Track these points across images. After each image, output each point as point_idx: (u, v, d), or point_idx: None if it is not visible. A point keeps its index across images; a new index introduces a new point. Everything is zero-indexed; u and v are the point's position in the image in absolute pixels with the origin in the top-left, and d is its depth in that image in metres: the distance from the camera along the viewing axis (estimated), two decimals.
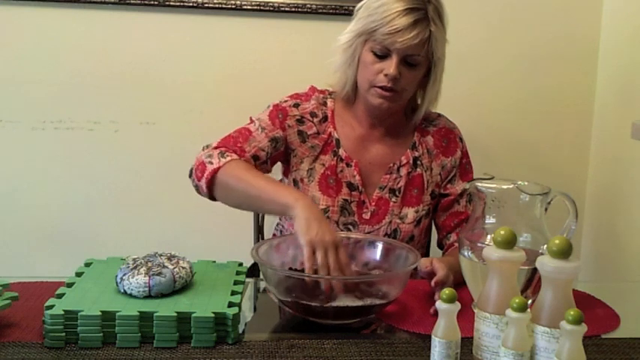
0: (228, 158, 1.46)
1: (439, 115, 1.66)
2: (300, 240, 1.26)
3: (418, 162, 1.59)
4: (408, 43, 1.44)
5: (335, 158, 1.57)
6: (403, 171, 1.58)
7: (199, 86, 2.22)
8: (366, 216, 1.56)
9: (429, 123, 1.63)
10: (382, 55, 1.47)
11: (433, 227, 1.68)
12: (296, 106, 1.58)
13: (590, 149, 2.37)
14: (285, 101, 1.59)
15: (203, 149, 1.52)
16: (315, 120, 1.58)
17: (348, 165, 1.57)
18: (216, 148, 1.51)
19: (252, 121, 1.58)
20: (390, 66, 1.46)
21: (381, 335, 1.23)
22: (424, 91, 1.57)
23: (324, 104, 1.61)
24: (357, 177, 1.57)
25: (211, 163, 1.46)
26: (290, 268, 1.37)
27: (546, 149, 2.36)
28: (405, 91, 1.51)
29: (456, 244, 1.57)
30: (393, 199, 1.57)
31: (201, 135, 2.23)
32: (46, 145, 2.20)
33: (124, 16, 2.16)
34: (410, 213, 1.57)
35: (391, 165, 1.58)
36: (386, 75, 1.47)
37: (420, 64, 1.49)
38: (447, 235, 1.61)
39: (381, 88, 1.48)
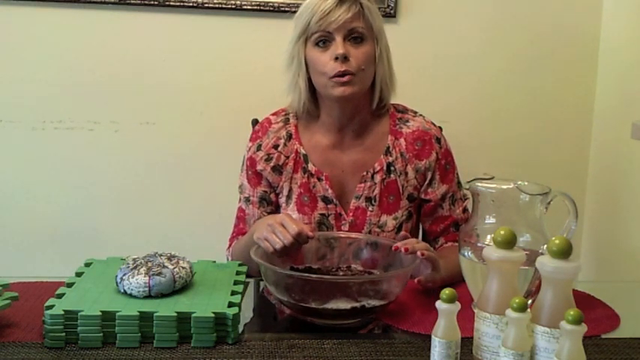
0: (230, 250, 1.63)
1: (415, 114, 1.62)
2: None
3: (392, 167, 1.55)
4: (342, 17, 1.46)
5: (305, 175, 1.56)
6: (377, 178, 1.55)
7: (199, 86, 2.22)
8: (345, 228, 1.55)
9: (403, 123, 1.58)
10: (326, 42, 1.48)
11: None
12: (259, 148, 1.58)
13: (590, 149, 2.37)
14: (250, 148, 1.60)
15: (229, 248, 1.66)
16: (280, 147, 1.57)
17: (319, 179, 1.56)
18: (228, 247, 1.64)
19: (240, 197, 1.64)
20: (337, 47, 1.46)
21: (381, 335, 1.23)
22: (376, 69, 1.54)
23: (287, 121, 1.60)
24: (330, 190, 1.55)
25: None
26: (291, 267, 1.37)
27: (546, 149, 2.36)
28: (361, 71, 1.48)
29: (445, 246, 1.58)
30: (370, 208, 1.55)
31: (201, 135, 2.25)
32: (46, 145, 2.21)
33: (124, 16, 2.16)
34: (389, 221, 1.55)
35: (365, 173, 1.56)
36: (336, 59, 1.46)
37: (364, 38, 1.49)
38: (436, 239, 1.60)
39: (337, 76, 1.46)
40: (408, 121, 1.59)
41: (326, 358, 1.10)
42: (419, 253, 1.27)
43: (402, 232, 1.43)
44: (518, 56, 2.30)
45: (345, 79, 1.46)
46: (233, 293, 1.22)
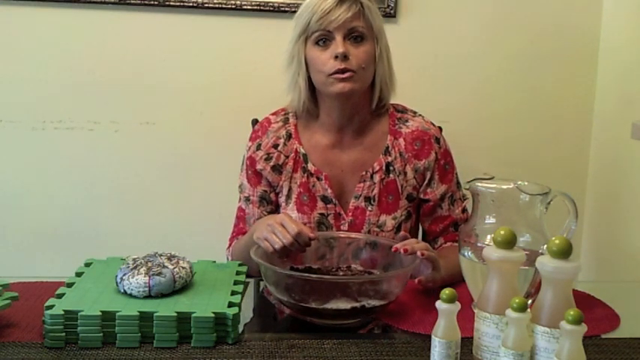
0: (230, 250, 1.63)
1: (415, 114, 1.62)
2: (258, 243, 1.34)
3: (391, 167, 1.56)
4: (342, 17, 1.46)
5: (305, 174, 1.57)
6: (376, 177, 1.56)
7: (199, 86, 2.22)
8: (344, 227, 1.55)
9: (402, 123, 1.59)
10: (326, 41, 1.48)
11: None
12: (258, 147, 1.59)
13: (590, 149, 2.37)
14: (249, 148, 1.61)
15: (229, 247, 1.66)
16: (280, 147, 1.57)
17: (318, 179, 1.56)
18: (228, 247, 1.64)
19: (240, 197, 1.64)
20: (337, 46, 1.46)
21: (381, 335, 1.23)
22: (376, 69, 1.54)
23: (286, 121, 1.60)
24: (329, 190, 1.56)
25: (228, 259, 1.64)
26: (291, 268, 1.37)
27: (546, 149, 2.36)
28: (361, 69, 1.48)
29: (445, 246, 1.58)
30: (369, 208, 1.55)
31: (201, 135, 2.25)
32: (46, 145, 2.21)
33: (124, 16, 2.16)
34: (388, 221, 1.55)
35: (364, 173, 1.56)
36: (336, 57, 1.46)
37: (364, 37, 1.49)
38: (435, 239, 1.60)
39: (336, 73, 1.47)
40: (407, 121, 1.59)
41: (326, 358, 1.10)
42: (419, 253, 1.27)
43: (402, 233, 1.43)
44: (518, 56, 2.30)
45: (345, 75, 1.47)
46: (233, 293, 1.22)
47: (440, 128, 1.70)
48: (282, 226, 1.30)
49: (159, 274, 1.19)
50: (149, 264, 1.22)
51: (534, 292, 1.21)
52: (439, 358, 1.01)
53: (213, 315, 1.12)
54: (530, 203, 1.24)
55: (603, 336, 1.22)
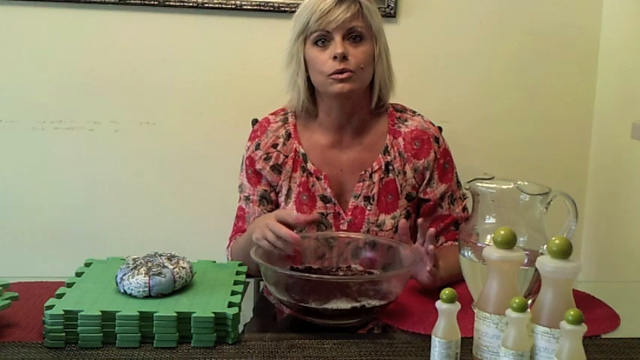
0: (229, 249, 1.63)
1: (414, 113, 1.62)
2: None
3: (390, 167, 1.56)
4: (341, 17, 1.46)
5: (304, 174, 1.57)
6: (376, 177, 1.56)
7: (199, 86, 2.22)
8: (343, 227, 1.55)
9: (401, 123, 1.59)
10: (325, 41, 1.48)
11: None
12: (257, 147, 1.59)
13: (590, 149, 2.37)
14: (248, 147, 1.61)
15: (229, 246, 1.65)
16: (279, 147, 1.57)
17: (318, 178, 1.56)
18: (228, 246, 1.63)
19: (240, 196, 1.64)
20: (336, 46, 1.47)
21: (381, 335, 1.23)
22: (375, 68, 1.54)
23: (285, 121, 1.60)
24: (329, 190, 1.56)
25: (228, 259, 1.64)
26: (291, 268, 1.37)
27: (546, 149, 2.36)
28: (360, 69, 1.48)
29: (445, 245, 1.58)
30: (369, 208, 1.55)
31: (201, 135, 2.25)
32: (46, 145, 2.21)
33: (124, 16, 2.16)
34: (387, 220, 1.55)
35: (363, 172, 1.56)
36: (335, 58, 1.46)
37: (363, 37, 1.49)
38: (436, 238, 1.59)
39: (335, 73, 1.47)
40: (406, 120, 1.59)
41: (326, 358, 1.10)
42: (431, 246, 1.28)
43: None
44: (518, 56, 2.30)
45: (344, 75, 1.47)
46: (233, 293, 1.22)
47: (440, 128, 1.70)
48: (271, 229, 1.30)
49: (159, 274, 1.19)
50: (149, 264, 1.22)
51: (534, 292, 1.21)
52: (439, 358, 1.01)
53: (213, 315, 1.12)
54: (530, 203, 1.24)
55: (603, 336, 1.22)
